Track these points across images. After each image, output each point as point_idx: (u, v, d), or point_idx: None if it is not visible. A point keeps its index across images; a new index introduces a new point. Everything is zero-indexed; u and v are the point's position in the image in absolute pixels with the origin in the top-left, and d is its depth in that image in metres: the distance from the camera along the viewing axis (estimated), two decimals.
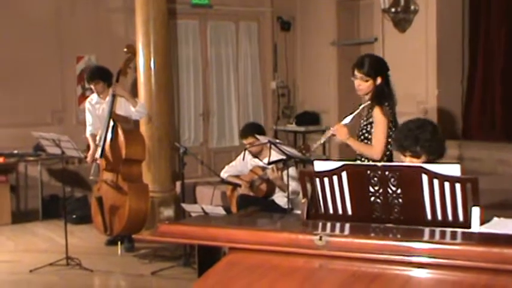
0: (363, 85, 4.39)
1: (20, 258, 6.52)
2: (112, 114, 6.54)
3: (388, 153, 4.36)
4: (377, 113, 4.34)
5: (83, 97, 8.59)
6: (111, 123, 6.51)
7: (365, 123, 4.45)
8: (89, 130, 6.94)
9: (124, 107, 6.70)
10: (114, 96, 6.59)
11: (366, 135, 4.44)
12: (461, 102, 8.39)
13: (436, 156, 3.19)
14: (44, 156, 8.05)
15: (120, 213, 6.40)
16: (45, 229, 7.83)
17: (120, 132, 6.47)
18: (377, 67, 4.41)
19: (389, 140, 4.36)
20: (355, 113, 4.45)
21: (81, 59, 9.01)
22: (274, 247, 2.10)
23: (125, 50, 6.96)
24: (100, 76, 6.74)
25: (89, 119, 6.96)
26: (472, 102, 8.24)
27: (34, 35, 8.63)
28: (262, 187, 6.12)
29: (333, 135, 4.45)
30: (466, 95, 8.35)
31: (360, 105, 4.47)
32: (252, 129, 6.24)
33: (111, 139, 6.50)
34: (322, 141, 4.67)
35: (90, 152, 6.79)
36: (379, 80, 4.38)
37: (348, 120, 4.44)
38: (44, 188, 8.55)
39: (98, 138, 6.80)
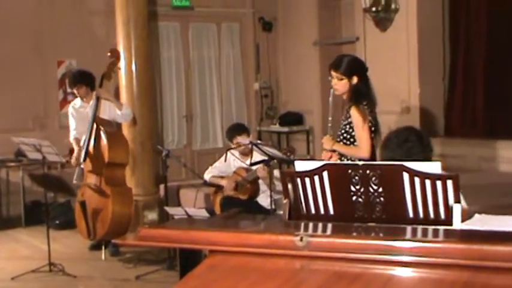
0: (338, 84, 4.44)
1: (2, 266, 6.46)
2: (96, 118, 6.50)
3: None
4: (354, 113, 4.38)
5: (65, 102, 8.54)
6: (95, 126, 6.47)
7: (344, 123, 4.49)
8: (72, 135, 6.89)
9: (108, 111, 6.66)
10: (98, 99, 6.55)
11: (345, 135, 4.48)
12: (443, 99, 8.44)
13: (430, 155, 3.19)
14: (25, 162, 7.97)
15: (104, 217, 6.36)
16: (27, 235, 7.76)
17: (103, 135, 6.43)
18: (351, 66, 4.44)
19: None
20: (330, 110, 4.49)
21: (62, 63, 8.95)
22: (255, 249, 2.07)
23: (109, 54, 6.92)
24: (83, 80, 6.70)
25: (72, 123, 6.91)
26: (453, 100, 8.28)
27: (14, 40, 8.55)
28: (247, 188, 6.11)
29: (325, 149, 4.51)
30: (448, 93, 8.39)
31: (330, 102, 4.53)
32: (239, 130, 6.25)
33: (94, 143, 6.45)
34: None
35: (75, 154, 6.73)
36: (355, 80, 4.40)
37: (329, 124, 4.50)
38: (26, 193, 8.46)
39: (81, 142, 6.75)
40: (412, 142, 3.14)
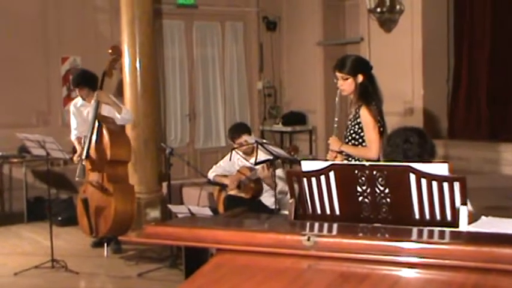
0: (344, 85, 4.42)
1: (4, 261, 6.46)
2: (97, 116, 6.49)
3: None
4: (364, 114, 4.35)
5: (68, 98, 8.54)
6: (97, 123, 6.46)
7: (353, 123, 4.45)
8: (74, 134, 6.88)
9: (108, 111, 6.65)
10: (98, 102, 6.54)
11: (354, 135, 4.45)
12: (447, 101, 8.43)
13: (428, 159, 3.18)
14: (28, 158, 7.97)
15: (106, 214, 6.36)
16: (30, 231, 7.76)
17: (105, 133, 6.42)
18: (356, 65, 4.43)
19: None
20: (337, 111, 4.48)
21: (66, 59, 8.96)
22: (262, 248, 2.08)
23: (110, 51, 6.90)
24: (84, 82, 6.68)
25: (73, 122, 6.89)
26: (457, 102, 8.28)
27: (19, 36, 8.56)
28: (250, 187, 6.11)
29: (331, 150, 4.48)
30: (452, 94, 8.39)
31: (336, 102, 4.51)
32: (243, 129, 6.25)
33: (96, 140, 6.45)
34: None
35: (77, 153, 6.73)
36: (360, 78, 4.39)
37: (335, 125, 4.49)
38: (28, 190, 8.46)
39: (83, 139, 6.75)
40: (411, 144, 3.14)
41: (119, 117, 6.54)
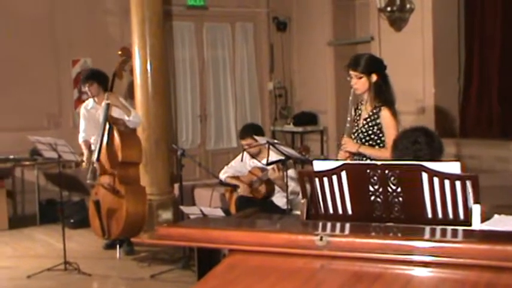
0: (358, 83, 4.37)
1: (17, 264, 6.49)
2: (108, 117, 6.51)
3: None
4: (386, 114, 4.29)
5: (79, 101, 8.57)
6: (107, 126, 6.48)
7: (370, 124, 4.37)
8: (81, 136, 6.90)
9: (119, 113, 6.67)
10: (108, 105, 6.55)
11: (372, 136, 4.36)
12: (458, 100, 8.39)
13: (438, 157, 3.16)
14: (40, 161, 8.02)
15: (118, 216, 6.38)
16: (42, 234, 7.80)
17: (116, 134, 6.44)
18: (370, 64, 4.39)
19: None
20: (351, 113, 4.44)
21: (76, 62, 9.00)
22: (275, 248, 2.07)
23: (119, 52, 6.92)
24: (94, 77, 6.69)
25: (82, 124, 6.91)
26: (469, 100, 8.24)
27: (29, 38, 8.61)
28: (262, 188, 6.11)
29: (346, 151, 4.41)
30: (463, 93, 8.35)
31: (350, 101, 4.47)
32: (250, 130, 6.25)
33: (108, 142, 6.47)
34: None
35: (85, 158, 6.75)
36: (374, 77, 4.35)
37: (348, 125, 4.43)
38: (40, 192, 8.50)
39: (92, 142, 6.77)
40: (420, 144, 3.11)
41: (127, 119, 6.55)
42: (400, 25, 8.36)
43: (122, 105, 6.58)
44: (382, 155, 4.22)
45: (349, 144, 4.38)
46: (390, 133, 4.26)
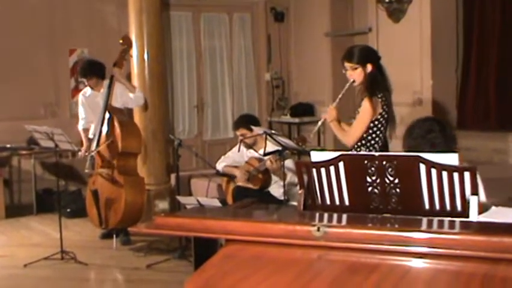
0: (353, 74, 4.40)
1: (14, 253, 6.49)
2: (108, 106, 6.50)
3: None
4: (365, 105, 4.37)
5: (76, 90, 8.55)
6: (107, 115, 6.47)
7: (357, 111, 4.46)
8: (81, 124, 6.91)
9: (120, 97, 6.67)
10: (109, 88, 6.55)
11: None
12: (456, 91, 8.39)
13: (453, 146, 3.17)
14: (37, 150, 7.99)
15: (116, 206, 6.37)
16: (39, 223, 7.80)
17: (116, 124, 6.43)
18: (364, 55, 4.42)
19: (378, 133, 4.34)
20: (341, 93, 4.47)
21: (73, 51, 8.96)
22: (272, 238, 2.07)
23: (121, 41, 6.91)
24: (93, 72, 6.68)
25: (81, 112, 6.92)
26: (466, 92, 8.23)
27: (26, 28, 8.57)
28: (259, 178, 6.10)
29: (326, 119, 4.52)
30: (461, 85, 8.34)
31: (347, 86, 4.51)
32: (244, 121, 6.24)
33: (107, 131, 6.46)
34: (318, 125, 4.70)
35: (84, 147, 6.75)
36: (369, 68, 4.37)
37: (336, 102, 4.49)
38: (37, 181, 8.50)
39: (91, 131, 6.77)
40: (435, 132, 3.12)
41: (131, 96, 6.55)
42: (398, 16, 8.33)
43: (126, 81, 6.60)
44: (341, 136, 4.48)
45: (329, 114, 4.51)
46: (359, 119, 4.39)
